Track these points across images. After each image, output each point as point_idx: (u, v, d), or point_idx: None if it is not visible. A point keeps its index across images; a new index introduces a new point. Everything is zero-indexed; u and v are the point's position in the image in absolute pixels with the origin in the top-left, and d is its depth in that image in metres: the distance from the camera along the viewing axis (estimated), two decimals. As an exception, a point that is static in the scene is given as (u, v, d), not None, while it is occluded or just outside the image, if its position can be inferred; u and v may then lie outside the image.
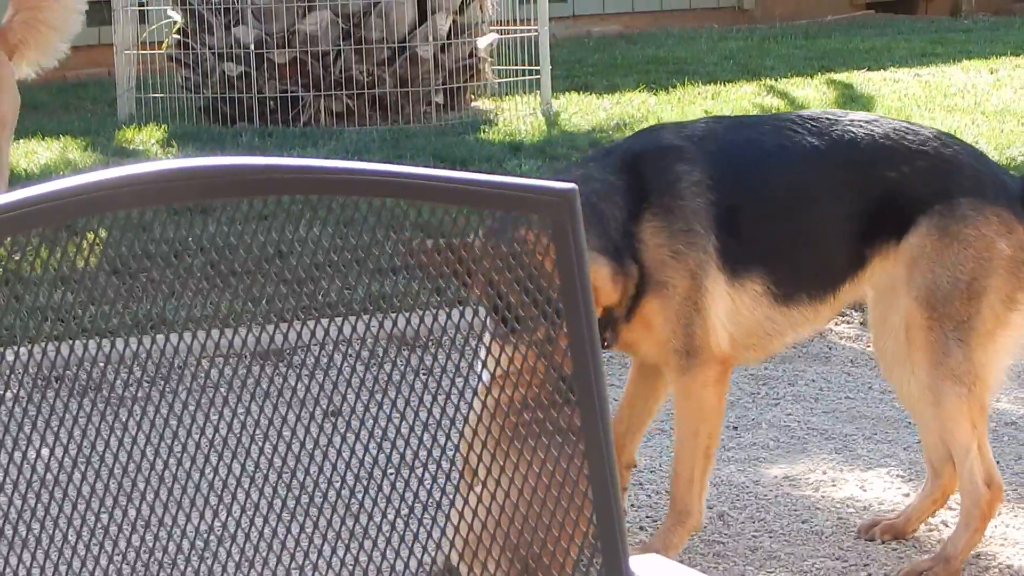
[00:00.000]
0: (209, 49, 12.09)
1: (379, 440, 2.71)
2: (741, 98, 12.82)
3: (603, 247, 5.04)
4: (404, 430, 2.77)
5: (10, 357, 2.68)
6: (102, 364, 2.75)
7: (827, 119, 5.34)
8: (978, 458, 5.08)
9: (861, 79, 13.66)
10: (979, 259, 5.06)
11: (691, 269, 5.08)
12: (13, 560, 2.54)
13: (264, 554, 2.69)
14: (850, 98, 12.87)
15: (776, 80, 13.70)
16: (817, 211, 5.29)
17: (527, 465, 2.84)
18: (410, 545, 2.75)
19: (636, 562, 2.64)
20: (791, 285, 5.22)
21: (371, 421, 2.71)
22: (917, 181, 5.14)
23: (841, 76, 13.79)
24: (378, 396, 2.74)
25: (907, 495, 5.84)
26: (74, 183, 2.39)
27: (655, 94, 13.03)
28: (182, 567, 2.65)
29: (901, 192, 5.18)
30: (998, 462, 5.74)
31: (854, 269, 5.22)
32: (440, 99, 12.14)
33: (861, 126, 5.26)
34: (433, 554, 2.83)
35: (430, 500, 2.82)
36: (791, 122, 5.31)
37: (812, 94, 13.07)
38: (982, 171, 5.21)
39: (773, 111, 12.26)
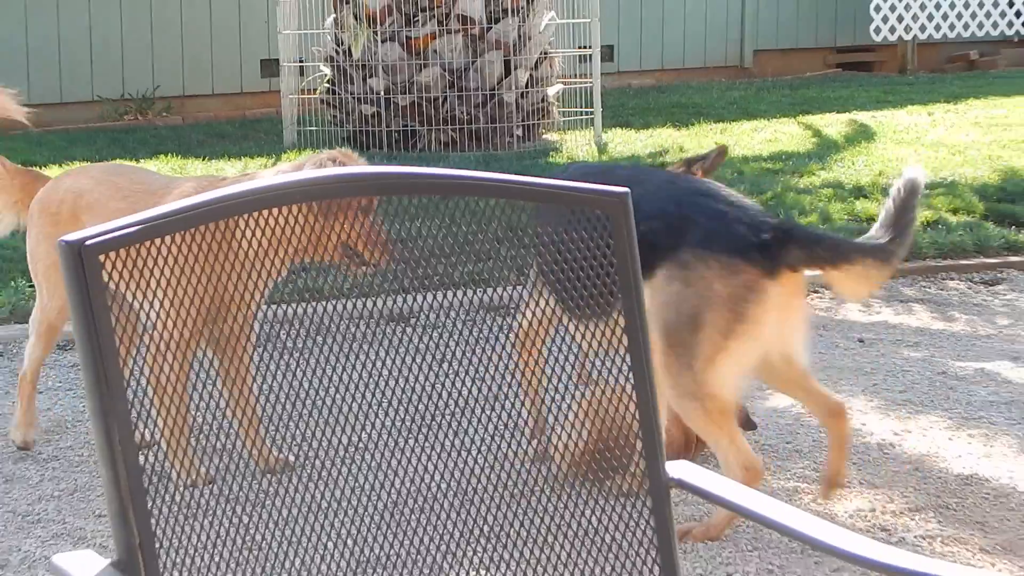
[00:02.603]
0: (351, 95, 12.14)
1: (475, 379, 2.73)
2: (743, 134, 12.79)
3: None
4: (492, 371, 2.79)
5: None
6: (276, 324, 2.78)
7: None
8: (731, 449, 4.61)
9: (831, 120, 13.61)
10: (699, 297, 4.58)
11: None
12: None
13: (391, 462, 2.71)
14: (822, 134, 12.84)
15: (769, 119, 13.68)
16: None
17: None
18: (503, 458, 2.77)
19: (670, 465, 2.65)
20: None
21: (471, 366, 2.73)
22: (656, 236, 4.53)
23: (816, 118, 13.74)
24: (476, 348, 2.76)
25: (864, 424, 5.84)
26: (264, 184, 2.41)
27: (678, 130, 13.02)
28: (330, 471, 2.68)
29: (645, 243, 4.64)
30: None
31: None
32: (520, 133, 12.16)
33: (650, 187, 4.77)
34: (520, 461, 2.85)
35: (513, 424, 2.84)
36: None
37: (795, 130, 13.03)
38: (714, 227, 4.61)
39: (769, 142, 12.26)
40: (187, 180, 5.53)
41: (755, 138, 12.55)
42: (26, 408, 5.66)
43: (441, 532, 2.71)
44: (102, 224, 2.28)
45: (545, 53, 12.38)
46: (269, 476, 2.75)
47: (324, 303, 2.66)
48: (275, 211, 2.45)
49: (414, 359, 2.71)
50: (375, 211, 4.95)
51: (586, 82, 12.62)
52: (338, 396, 2.60)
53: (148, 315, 2.47)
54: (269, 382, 2.60)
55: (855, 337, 7.21)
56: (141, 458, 2.24)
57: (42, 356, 5.73)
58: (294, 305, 2.80)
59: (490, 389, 2.79)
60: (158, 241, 2.31)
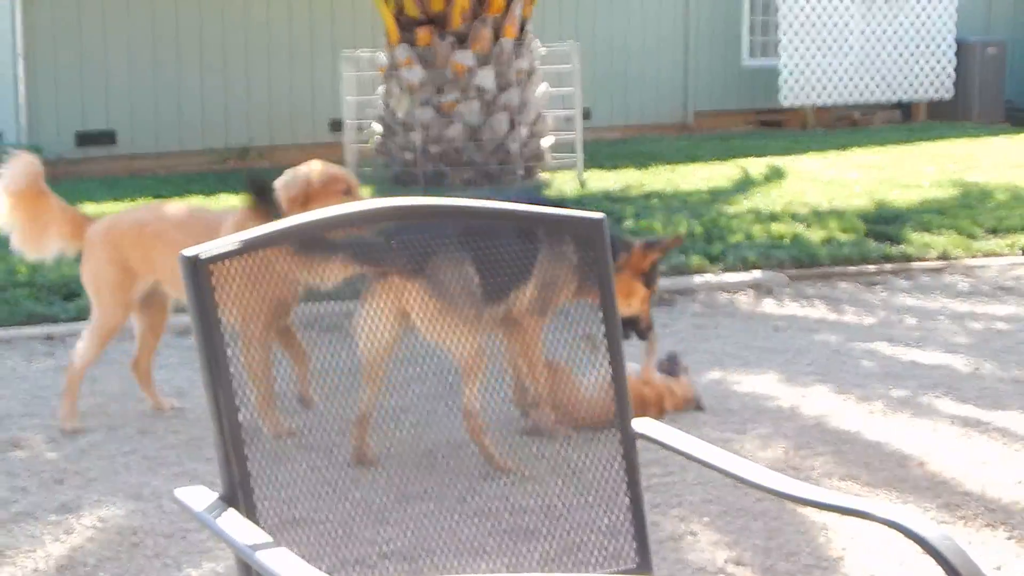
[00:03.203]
0: (396, 145, 12.14)
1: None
2: (687, 173, 12.77)
3: None
4: (500, 353, 2.76)
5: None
6: (346, 317, 2.76)
7: None
8: None
9: (752, 163, 13.57)
10: None
11: None
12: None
13: (426, 420, 2.69)
14: (746, 174, 12.81)
15: (706, 163, 13.65)
16: None
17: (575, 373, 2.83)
18: (510, 417, 2.75)
19: (636, 422, 2.63)
20: None
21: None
22: None
23: (741, 160, 13.71)
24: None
25: (778, 391, 5.81)
26: (328, 213, 2.38)
27: (639, 170, 13.00)
28: (381, 426, 2.65)
29: None
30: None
31: None
32: (521, 173, 12.14)
33: None
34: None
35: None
36: None
37: (726, 170, 13.01)
38: None
39: (706, 179, 12.23)
40: (229, 213, 5.23)
41: (696, 176, 12.52)
42: (71, 400, 5.28)
43: (464, 472, 2.70)
44: (199, 245, 2.23)
45: (540, 114, 12.37)
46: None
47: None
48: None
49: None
50: (357, 194, 4.86)
51: (570, 135, 12.61)
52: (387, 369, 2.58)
53: (230, 315, 2.38)
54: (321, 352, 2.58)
55: (771, 326, 7.19)
56: (240, 417, 2.23)
57: (92, 359, 5.31)
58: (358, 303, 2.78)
59: (498, 366, 2.77)
60: (234, 260, 2.24)
